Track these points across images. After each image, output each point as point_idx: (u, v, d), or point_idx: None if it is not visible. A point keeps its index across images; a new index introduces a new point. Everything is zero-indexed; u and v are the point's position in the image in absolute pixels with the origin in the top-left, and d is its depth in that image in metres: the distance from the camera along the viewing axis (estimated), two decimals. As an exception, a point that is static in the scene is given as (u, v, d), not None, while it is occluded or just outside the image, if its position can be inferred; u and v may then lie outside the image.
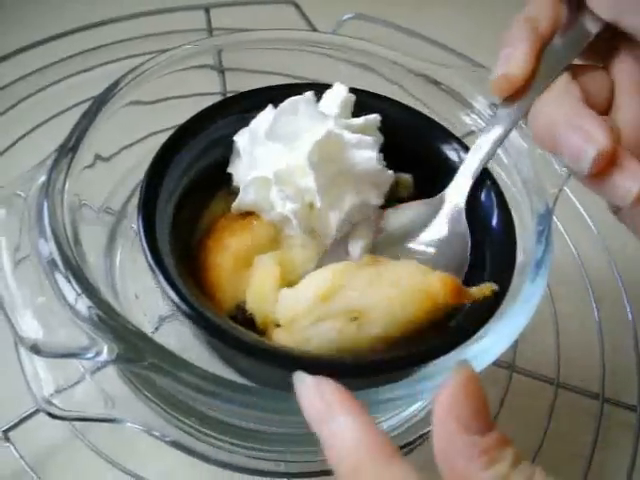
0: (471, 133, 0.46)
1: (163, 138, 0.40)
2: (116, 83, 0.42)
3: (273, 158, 0.38)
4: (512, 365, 0.52)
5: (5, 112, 0.64)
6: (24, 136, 0.63)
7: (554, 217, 0.58)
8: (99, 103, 0.41)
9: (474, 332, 0.34)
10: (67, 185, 0.38)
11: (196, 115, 0.42)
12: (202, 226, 0.41)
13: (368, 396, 0.31)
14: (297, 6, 0.76)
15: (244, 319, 0.37)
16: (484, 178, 0.40)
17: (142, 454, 0.46)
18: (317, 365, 0.32)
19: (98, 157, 0.43)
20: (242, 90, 0.44)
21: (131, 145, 0.49)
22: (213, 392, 0.31)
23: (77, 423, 0.47)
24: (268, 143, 0.38)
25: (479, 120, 0.46)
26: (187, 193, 0.41)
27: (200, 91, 0.55)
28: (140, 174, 0.40)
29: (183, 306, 0.33)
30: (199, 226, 0.41)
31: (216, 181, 0.42)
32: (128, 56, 0.68)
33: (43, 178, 0.38)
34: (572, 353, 0.55)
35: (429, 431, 0.41)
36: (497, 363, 0.51)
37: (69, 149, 0.39)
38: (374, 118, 0.39)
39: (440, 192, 0.41)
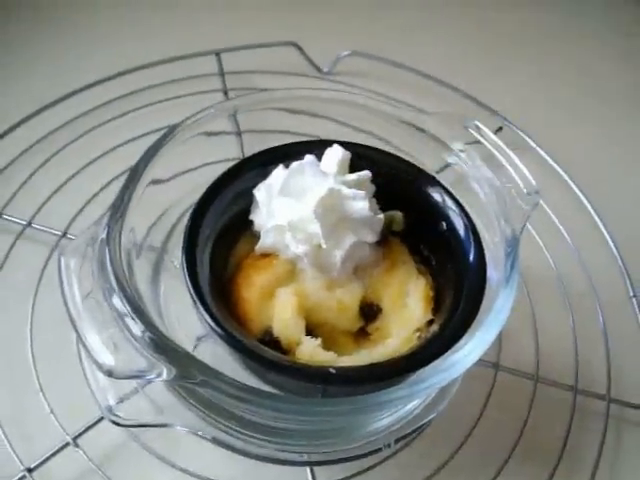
0: (448, 165, 0.54)
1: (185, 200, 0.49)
2: (153, 151, 0.49)
3: (286, 210, 0.44)
4: (497, 364, 0.57)
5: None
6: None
7: (532, 230, 0.68)
8: (134, 179, 0.48)
9: (454, 342, 0.40)
10: (122, 237, 0.45)
11: (223, 173, 0.50)
12: (231, 263, 0.49)
13: (374, 398, 0.37)
14: (298, 47, 0.85)
15: (272, 341, 0.44)
16: (460, 214, 0.48)
17: (187, 452, 0.51)
18: (333, 377, 0.40)
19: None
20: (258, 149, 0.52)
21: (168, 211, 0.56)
22: (250, 400, 0.37)
23: (132, 428, 0.53)
24: (281, 198, 0.45)
25: (455, 157, 0.53)
26: (219, 236, 0.48)
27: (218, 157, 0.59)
28: (173, 221, 0.49)
29: (225, 336, 0.41)
30: (229, 263, 0.49)
31: (241, 226, 0.50)
32: (151, 103, 0.77)
33: (102, 234, 0.45)
34: (550, 351, 0.60)
35: (425, 424, 0.51)
36: (483, 363, 0.59)
37: (119, 216, 0.46)
38: (365, 174, 0.46)
39: (425, 227, 0.50)
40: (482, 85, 0.84)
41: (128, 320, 0.41)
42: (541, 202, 0.52)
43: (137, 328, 0.40)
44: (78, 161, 0.71)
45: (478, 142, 0.53)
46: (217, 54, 0.82)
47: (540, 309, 0.64)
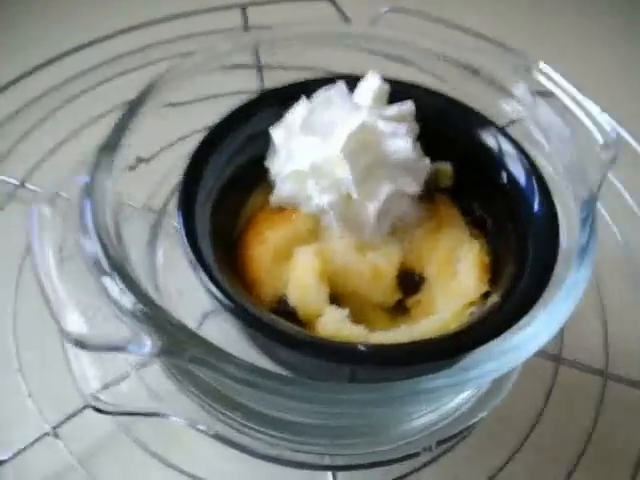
0: (512, 122, 0.46)
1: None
2: (153, 84, 0.43)
3: (309, 151, 0.38)
4: (558, 357, 0.51)
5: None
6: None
7: (600, 207, 0.59)
8: (136, 104, 0.41)
9: (516, 320, 0.34)
10: (109, 185, 0.39)
11: (233, 111, 0.43)
12: (242, 220, 0.42)
13: (413, 385, 0.31)
14: (333, 2, 0.76)
15: (286, 312, 0.38)
16: (523, 163, 0.40)
17: (185, 448, 0.46)
18: (363, 356, 0.32)
19: (139, 159, 0.44)
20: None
21: (171, 145, 0.50)
22: (256, 383, 0.31)
23: (123, 419, 0.47)
24: (303, 136, 0.38)
25: (519, 107, 0.45)
26: (226, 188, 0.41)
27: (238, 89, 0.55)
28: (180, 173, 0.41)
29: (225, 300, 0.33)
30: (239, 220, 0.42)
31: (255, 175, 0.43)
32: (164, 58, 0.69)
33: (84, 179, 0.39)
34: (621, 343, 0.53)
35: (474, 424, 0.43)
36: (543, 354, 0.51)
37: (109, 148, 0.40)
38: (409, 107, 0.39)
39: (480, 180, 0.42)
40: (537, 44, 0.74)
41: (105, 279, 0.34)
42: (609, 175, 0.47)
43: (115, 290, 0.34)
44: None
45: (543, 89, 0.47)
46: (243, 8, 0.73)
47: (609, 295, 0.56)
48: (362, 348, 0.32)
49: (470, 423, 0.43)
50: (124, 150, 0.41)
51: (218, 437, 0.42)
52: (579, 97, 0.45)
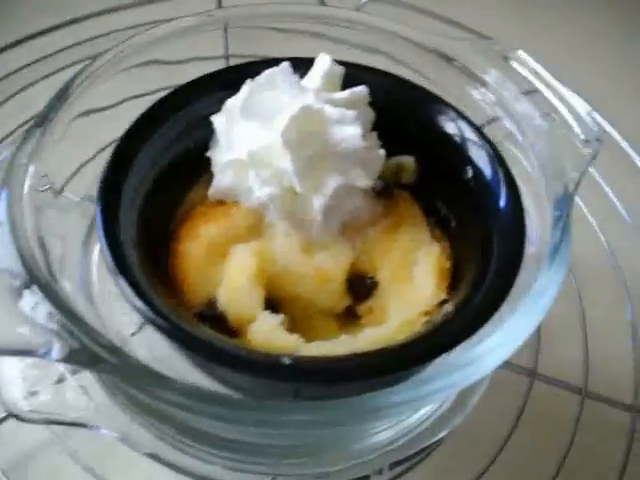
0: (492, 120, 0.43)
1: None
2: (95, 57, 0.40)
3: (249, 138, 0.35)
4: (533, 371, 0.48)
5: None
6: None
7: (582, 207, 0.55)
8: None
9: (473, 330, 0.31)
10: (32, 168, 0.35)
11: (177, 89, 0.39)
12: (179, 215, 0.39)
13: (363, 403, 0.28)
14: (314, -7, 0.72)
15: (215, 316, 0.34)
16: (490, 157, 0.37)
17: (123, 463, 0.43)
18: (285, 370, 0.29)
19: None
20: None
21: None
22: (178, 403, 0.28)
23: (57, 428, 0.44)
24: (243, 122, 0.35)
25: (493, 98, 0.42)
26: (164, 179, 0.38)
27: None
28: None
29: (135, 302, 0.30)
30: (175, 216, 0.39)
31: (198, 166, 0.39)
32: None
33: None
34: (602, 358, 0.50)
35: (434, 443, 0.40)
36: (516, 369, 0.48)
37: (38, 124, 0.36)
38: (361, 91, 0.35)
39: (444, 176, 0.39)
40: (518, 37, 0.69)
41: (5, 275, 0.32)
42: (590, 169, 0.42)
43: (21, 283, 0.31)
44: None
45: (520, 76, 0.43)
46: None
47: (591, 304, 0.52)
48: (285, 361, 0.29)
49: (429, 442, 0.40)
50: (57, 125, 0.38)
51: (152, 456, 0.39)
52: (559, 88, 0.42)
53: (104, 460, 0.43)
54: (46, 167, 0.37)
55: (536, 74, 0.42)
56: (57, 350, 0.30)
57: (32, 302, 0.31)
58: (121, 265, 0.32)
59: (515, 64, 0.43)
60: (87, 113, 0.40)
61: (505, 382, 0.46)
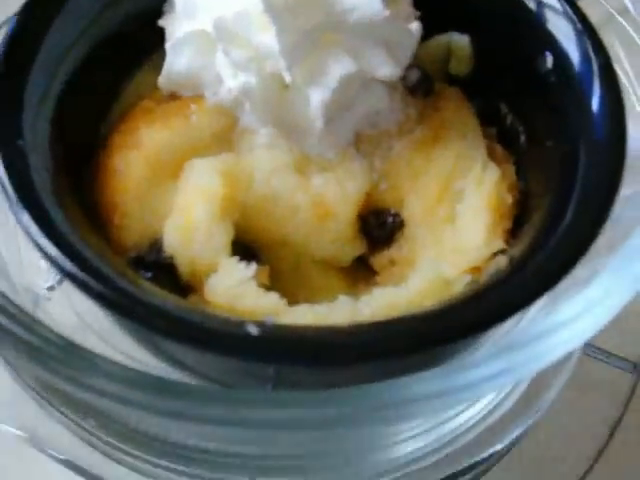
0: None
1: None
2: None
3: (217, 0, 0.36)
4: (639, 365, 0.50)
5: None
6: None
7: None
8: None
9: (542, 292, 0.32)
10: None
11: None
12: (117, 111, 0.40)
13: (372, 395, 0.29)
14: None
15: (157, 263, 0.36)
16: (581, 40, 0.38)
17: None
18: (249, 343, 0.30)
19: None
20: None
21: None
22: (106, 392, 0.29)
23: None
24: None
25: None
26: (91, 60, 0.39)
27: None
28: None
29: (46, 245, 0.31)
30: (113, 110, 0.40)
31: (144, 41, 0.41)
32: None
33: None
34: None
35: (486, 460, 0.42)
36: (613, 360, 0.50)
37: None
38: None
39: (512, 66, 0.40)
40: None
41: None
42: None
43: None
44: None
45: None
46: None
47: None
48: (252, 330, 0.29)
49: (478, 459, 0.42)
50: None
51: (69, 464, 0.41)
52: None
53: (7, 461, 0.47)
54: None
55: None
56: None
57: None
58: (23, 190, 0.33)
59: None
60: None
61: (597, 378, 0.49)
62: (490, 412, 0.42)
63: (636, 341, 0.52)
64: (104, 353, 0.31)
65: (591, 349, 0.51)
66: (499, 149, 0.41)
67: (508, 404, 0.42)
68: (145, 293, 0.33)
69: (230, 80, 0.36)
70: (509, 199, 0.38)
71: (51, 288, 0.43)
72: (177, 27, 0.38)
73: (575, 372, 0.47)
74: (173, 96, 0.39)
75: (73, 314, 0.40)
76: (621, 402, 0.50)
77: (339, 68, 0.36)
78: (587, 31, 0.39)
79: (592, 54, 0.38)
